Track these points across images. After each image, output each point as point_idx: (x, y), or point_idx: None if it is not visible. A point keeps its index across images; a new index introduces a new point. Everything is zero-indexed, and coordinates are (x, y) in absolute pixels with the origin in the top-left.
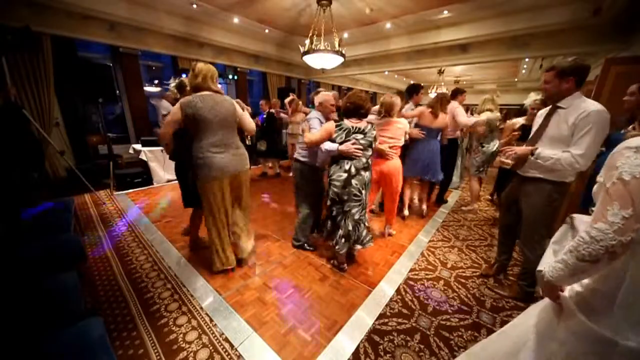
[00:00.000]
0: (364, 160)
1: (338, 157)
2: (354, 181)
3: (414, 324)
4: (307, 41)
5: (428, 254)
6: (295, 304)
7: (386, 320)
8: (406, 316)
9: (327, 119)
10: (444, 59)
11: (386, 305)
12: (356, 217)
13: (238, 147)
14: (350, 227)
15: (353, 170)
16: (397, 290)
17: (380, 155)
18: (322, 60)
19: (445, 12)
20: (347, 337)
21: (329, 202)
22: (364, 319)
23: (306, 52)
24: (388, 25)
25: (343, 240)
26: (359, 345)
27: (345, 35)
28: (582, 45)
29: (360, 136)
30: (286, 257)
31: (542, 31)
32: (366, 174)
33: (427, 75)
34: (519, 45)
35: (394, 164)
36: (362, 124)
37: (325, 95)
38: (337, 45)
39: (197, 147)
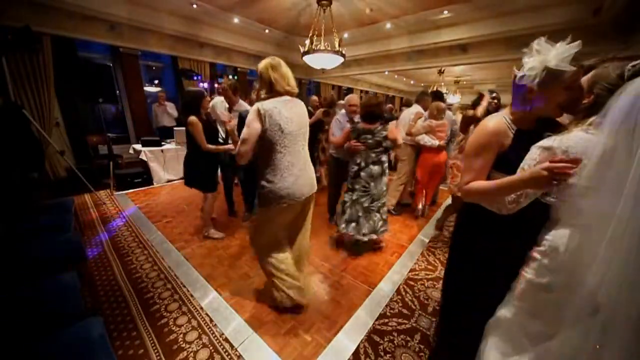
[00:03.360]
0: (372, 155)
1: (352, 153)
2: (362, 173)
3: (414, 324)
4: (307, 41)
5: (428, 254)
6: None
7: (386, 320)
8: (406, 316)
9: (352, 119)
10: (444, 59)
11: (386, 305)
12: (365, 204)
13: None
14: (359, 213)
15: (363, 163)
16: (397, 290)
17: (439, 149)
18: (322, 60)
19: (445, 12)
20: (347, 337)
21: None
22: (364, 319)
23: (306, 52)
24: (388, 25)
25: (345, 223)
26: (359, 346)
27: (345, 35)
28: (582, 46)
29: (369, 136)
30: None
31: (542, 31)
32: (375, 168)
33: (427, 75)
34: (519, 45)
35: (444, 155)
36: (373, 126)
37: (349, 98)
38: (337, 45)
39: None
